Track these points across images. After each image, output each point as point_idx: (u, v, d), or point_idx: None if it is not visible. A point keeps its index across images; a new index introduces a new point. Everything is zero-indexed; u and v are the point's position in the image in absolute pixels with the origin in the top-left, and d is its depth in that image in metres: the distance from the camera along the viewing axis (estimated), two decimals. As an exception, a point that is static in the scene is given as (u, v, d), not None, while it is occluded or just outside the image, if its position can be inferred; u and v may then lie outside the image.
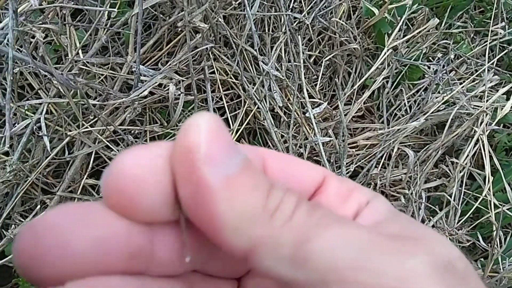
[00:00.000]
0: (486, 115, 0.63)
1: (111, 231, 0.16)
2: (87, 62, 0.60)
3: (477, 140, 0.65)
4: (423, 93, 0.73)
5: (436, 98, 0.70)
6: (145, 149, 0.16)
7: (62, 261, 0.15)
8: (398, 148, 0.71)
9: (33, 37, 0.57)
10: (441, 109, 0.69)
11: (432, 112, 0.66)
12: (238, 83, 0.74)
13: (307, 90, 0.75)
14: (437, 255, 0.16)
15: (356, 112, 0.77)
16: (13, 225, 0.56)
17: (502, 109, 0.66)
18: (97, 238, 0.16)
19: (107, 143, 0.58)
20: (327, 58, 0.76)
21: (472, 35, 0.81)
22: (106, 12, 0.60)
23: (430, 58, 0.78)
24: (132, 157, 0.16)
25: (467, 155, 0.65)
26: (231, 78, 0.74)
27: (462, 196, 0.71)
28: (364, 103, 0.77)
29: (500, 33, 0.74)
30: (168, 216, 0.17)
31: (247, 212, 0.15)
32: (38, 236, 0.15)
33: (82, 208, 0.16)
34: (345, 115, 0.73)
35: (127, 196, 0.16)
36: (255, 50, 0.72)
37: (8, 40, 0.51)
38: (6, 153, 0.61)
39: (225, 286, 0.20)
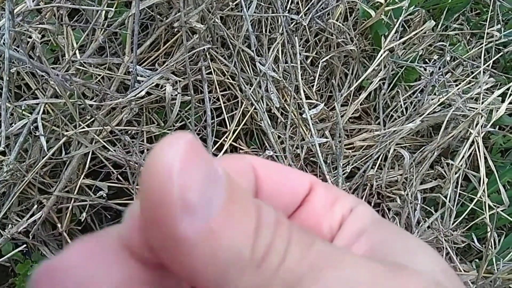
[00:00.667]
0: (482, 117, 0.63)
1: (132, 272, 0.15)
2: (84, 62, 0.60)
3: (473, 142, 0.66)
4: (419, 94, 0.74)
5: (432, 99, 0.70)
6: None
7: None
8: (394, 150, 0.71)
9: (30, 37, 0.57)
10: (437, 110, 0.69)
11: (428, 114, 0.66)
12: (235, 83, 0.75)
13: (304, 91, 0.76)
14: (428, 282, 0.16)
15: (353, 113, 0.77)
16: (10, 225, 0.56)
17: (497, 111, 0.66)
18: (121, 282, 0.14)
19: (104, 143, 0.59)
20: (324, 60, 0.76)
21: (468, 37, 0.81)
22: (103, 12, 0.60)
23: (426, 59, 0.79)
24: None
25: (463, 157, 0.66)
26: (228, 78, 0.74)
27: (457, 197, 0.72)
28: (360, 104, 0.77)
29: (496, 35, 0.75)
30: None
31: (232, 261, 0.13)
32: (58, 281, 0.14)
33: (98, 248, 0.15)
34: (341, 116, 0.74)
35: None
36: (252, 51, 0.72)
37: (4, 40, 0.51)
38: (3, 153, 0.61)
39: None
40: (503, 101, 0.69)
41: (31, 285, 0.14)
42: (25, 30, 0.51)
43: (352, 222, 0.21)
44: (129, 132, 0.65)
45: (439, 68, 0.73)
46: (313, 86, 0.80)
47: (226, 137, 0.74)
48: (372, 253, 0.19)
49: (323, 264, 0.15)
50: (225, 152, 0.72)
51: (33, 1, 0.43)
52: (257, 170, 0.21)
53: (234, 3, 0.70)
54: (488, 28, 0.74)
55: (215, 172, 0.14)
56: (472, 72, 0.75)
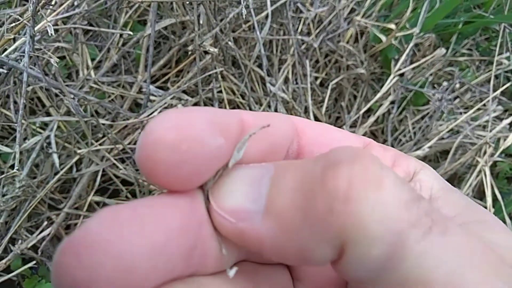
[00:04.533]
0: (489, 146, 0.64)
1: (166, 230, 0.14)
2: (98, 80, 0.61)
3: (480, 170, 0.66)
4: (427, 120, 0.74)
5: (440, 125, 0.70)
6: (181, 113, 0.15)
7: (116, 279, 0.12)
8: (401, 174, 0.72)
9: (45, 53, 0.58)
10: (445, 137, 0.70)
11: (436, 141, 0.67)
12: (245, 103, 0.75)
13: (313, 112, 0.76)
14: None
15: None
16: (20, 240, 0.57)
17: (505, 140, 0.66)
18: (154, 244, 0.13)
19: (115, 162, 0.59)
20: (333, 82, 0.76)
21: (477, 63, 0.82)
22: (118, 30, 0.61)
23: (436, 84, 0.79)
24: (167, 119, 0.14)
25: (470, 185, 0.66)
26: (238, 98, 0.75)
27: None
28: (369, 127, 0.77)
29: (505, 63, 0.75)
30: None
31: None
32: (84, 253, 0.12)
33: (125, 212, 0.14)
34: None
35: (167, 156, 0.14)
36: (264, 72, 0.73)
37: (17, 56, 0.52)
38: (13, 166, 0.62)
39: (277, 272, 0.19)
40: (511, 130, 0.69)
41: (55, 267, 0.13)
42: (42, 48, 0.52)
43: (417, 188, 0.19)
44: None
45: (448, 94, 0.73)
46: (321, 107, 0.80)
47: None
48: None
49: (430, 225, 0.14)
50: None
51: (52, 25, 0.44)
52: (301, 129, 0.20)
53: (247, 25, 0.71)
54: (497, 55, 0.74)
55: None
56: (481, 99, 0.75)
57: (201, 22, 0.63)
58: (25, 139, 0.60)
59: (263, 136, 0.18)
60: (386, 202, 0.13)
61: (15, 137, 0.63)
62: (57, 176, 0.55)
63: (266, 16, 0.70)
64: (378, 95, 0.70)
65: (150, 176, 0.15)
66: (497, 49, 0.75)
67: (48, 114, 0.63)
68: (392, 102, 0.75)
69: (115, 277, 0.12)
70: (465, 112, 0.71)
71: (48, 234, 0.57)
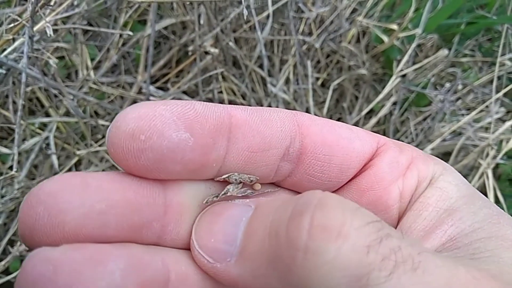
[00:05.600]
0: (492, 148, 0.63)
1: (111, 202, 0.16)
2: (98, 81, 0.61)
3: (482, 173, 0.66)
4: (429, 121, 0.74)
5: (443, 127, 0.70)
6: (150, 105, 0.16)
7: (59, 228, 0.15)
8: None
9: (44, 53, 0.58)
10: (447, 138, 0.69)
11: (438, 143, 0.66)
12: (246, 103, 0.75)
13: (314, 113, 0.76)
14: None
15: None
16: (18, 242, 0.56)
17: (507, 141, 0.66)
18: (93, 209, 0.16)
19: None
20: (335, 83, 0.76)
21: (480, 64, 0.81)
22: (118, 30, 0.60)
23: (438, 85, 0.79)
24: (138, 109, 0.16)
25: (471, 187, 0.65)
26: (239, 98, 0.74)
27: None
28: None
29: (508, 65, 0.74)
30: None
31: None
32: (39, 202, 0.15)
33: (86, 177, 0.16)
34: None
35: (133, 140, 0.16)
36: (264, 72, 0.72)
37: (16, 57, 0.51)
38: (12, 167, 0.62)
39: None
40: (513, 131, 0.69)
41: (21, 206, 0.16)
42: (41, 49, 0.51)
43: (435, 197, 0.18)
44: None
45: (450, 95, 0.73)
46: (323, 107, 0.80)
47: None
48: (456, 243, 0.16)
49: (402, 266, 0.13)
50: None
51: (52, 25, 0.43)
52: (305, 129, 0.19)
53: (248, 25, 0.70)
54: (500, 57, 0.74)
55: None
56: (483, 100, 0.75)
57: (201, 22, 0.62)
58: (24, 140, 0.59)
59: (254, 130, 0.18)
60: (345, 250, 0.13)
61: (14, 138, 0.62)
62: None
63: (267, 16, 0.70)
64: (380, 96, 0.69)
65: (115, 161, 0.17)
66: (500, 50, 0.74)
67: (47, 114, 0.62)
68: (394, 103, 0.75)
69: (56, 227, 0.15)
70: (468, 114, 0.70)
71: (47, 236, 0.57)
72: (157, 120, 0.16)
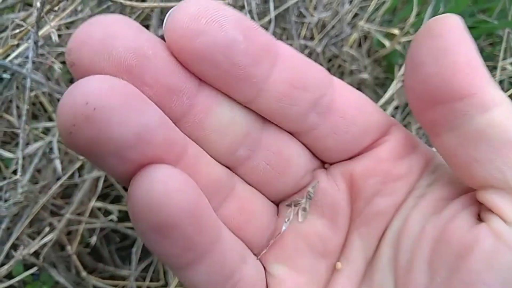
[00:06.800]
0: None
1: (157, 51, 0.18)
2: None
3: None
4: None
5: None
6: None
7: (107, 51, 0.17)
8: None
9: (48, 58, 0.58)
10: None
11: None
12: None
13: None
14: None
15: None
16: (21, 246, 0.56)
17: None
18: (142, 49, 0.17)
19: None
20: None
21: (481, 68, 0.82)
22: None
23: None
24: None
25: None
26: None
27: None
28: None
29: (509, 69, 0.75)
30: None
31: None
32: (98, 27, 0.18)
33: (140, 26, 0.18)
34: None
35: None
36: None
37: (21, 62, 0.52)
38: (15, 172, 0.62)
39: None
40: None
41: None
42: (45, 54, 0.51)
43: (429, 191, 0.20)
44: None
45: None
46: (324, 111, 0.80)
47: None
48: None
49: None
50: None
51: (56, 30, 0.44)
52: (337, 88, 0.20)
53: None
54: (501, 61, 0.74)
55: None
56: (485, 105, 0.75)
57: (204, 27, 0.62)
58: (27, 144, 0.59)
59: (297, 67, 0.19)
60: None
61: (17, 142, 0.63)
62: (59, 182, 0.55)
63: (269, 21, 0.70)
64: (382, 100, 0.69)
65: (169, 43, 0.18)
66: (501, 54, 0.74)
67: (50, 119, 0.63)
68: (396, 108, 0.75)
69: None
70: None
71: (50, 240, 0.57)
72: (220, 14, 0.17)
